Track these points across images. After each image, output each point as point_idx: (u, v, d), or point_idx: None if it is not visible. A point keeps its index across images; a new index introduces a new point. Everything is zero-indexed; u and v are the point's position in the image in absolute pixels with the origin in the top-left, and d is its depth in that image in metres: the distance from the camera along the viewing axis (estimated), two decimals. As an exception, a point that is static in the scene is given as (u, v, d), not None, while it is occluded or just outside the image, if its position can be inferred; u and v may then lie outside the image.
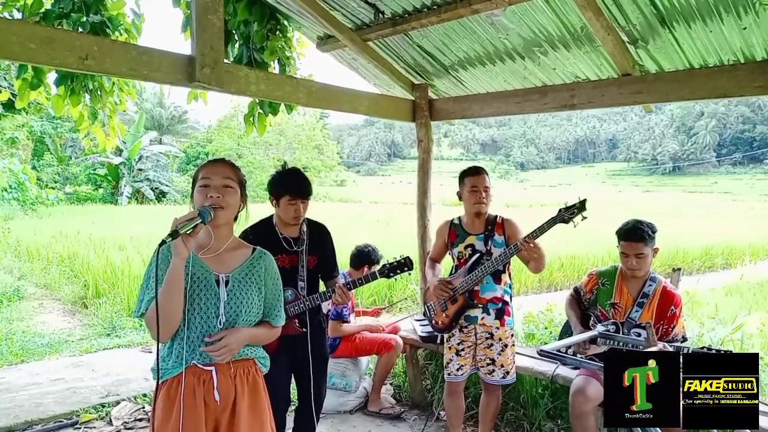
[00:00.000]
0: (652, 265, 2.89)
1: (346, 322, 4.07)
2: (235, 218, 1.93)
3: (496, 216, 3.12)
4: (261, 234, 2.73)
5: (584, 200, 2.73)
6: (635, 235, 2.78)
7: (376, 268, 4.15)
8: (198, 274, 1.79)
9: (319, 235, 2.86)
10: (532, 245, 2.74)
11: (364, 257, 4.13)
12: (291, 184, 2.70)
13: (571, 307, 3.14)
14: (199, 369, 1.77)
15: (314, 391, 2.85)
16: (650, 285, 2.85)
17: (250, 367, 1.88)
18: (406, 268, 2.74)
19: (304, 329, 2.74)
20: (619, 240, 2.86)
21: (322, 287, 2.93)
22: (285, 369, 2.72)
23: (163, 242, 1.60)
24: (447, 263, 3.37)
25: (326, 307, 3.84)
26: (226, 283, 1.82)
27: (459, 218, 3.21)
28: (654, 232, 2.80)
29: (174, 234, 1.59)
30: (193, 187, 1.87)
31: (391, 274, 2.75)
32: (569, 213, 2.73)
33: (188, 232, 1.63)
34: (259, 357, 1.93)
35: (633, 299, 2.87)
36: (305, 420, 2.91)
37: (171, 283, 1.67)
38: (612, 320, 2.87)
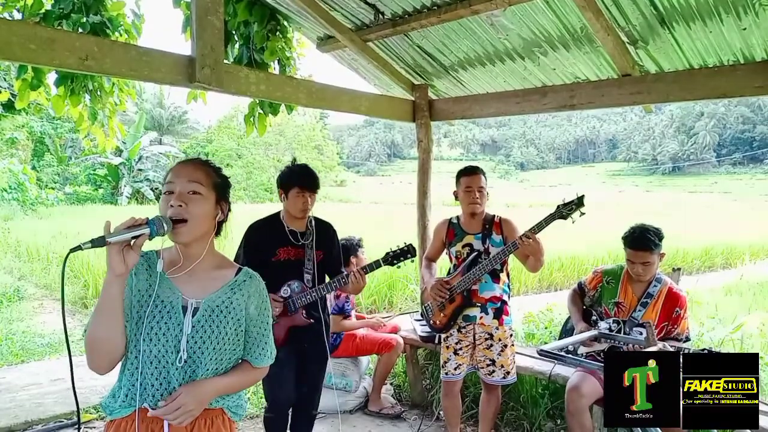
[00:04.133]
0: (658, 268, 2.90)
1: (348, 317, 4.08)
2: (218, 231, 1.58)
3: (494, 216, 3.13)
4: (267, 226, 2.80)
5: (582, 196, 2.73)
6: (641, 244, 2.78)
7: (363, 254, 4.15)
8: (163, 296, 1.46)
9: (326, 233, 2.92)
10: (530, 240, 2.74)
11: (349, 249, 4.09)
12: (301, 177, 2.77)
13: (573, 302, 3.16)
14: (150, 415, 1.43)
15: (311, 386, 2.90)
16: (655, 286, 2.86)
17: (215, 417, 1.52)
18: (409, 255, 2.77)
19: (311, 320, 2.78)
20: (625, 247, 2.86)
21: None
22: (288, 362, 2.74)
23: (78, 248, 1.23)
24: (444, 263, 3.37)
25: (329, 305, 3.86)
26: (195, 311, 1.47)
27: (457, 218, 3.21)
28: (660, 239, 2.79)
29: (98, 241, 1.23)
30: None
31: (395, 262, 2.79)
32: (567, 209, 2.73)
33: (130, 243, 1.30)
34: (230, 406, 1.56)
35: (637, 299, 2.88)
36: (303, 416, 2.93)
37: (102, 307, 1.33)
38: (614, 318, 2.88)
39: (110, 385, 1.33)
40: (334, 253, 2.95)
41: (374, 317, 4.51)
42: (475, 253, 3.03)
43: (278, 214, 2.87)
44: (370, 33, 3.79)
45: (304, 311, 2.77)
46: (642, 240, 2.78)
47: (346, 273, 2.77)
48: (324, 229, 2.91)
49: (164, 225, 1.37)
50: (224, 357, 1.51)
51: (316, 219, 2.91)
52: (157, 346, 1.43)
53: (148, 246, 1.43)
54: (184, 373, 1.45)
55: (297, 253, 2.79)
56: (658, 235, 2.79)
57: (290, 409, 2.91)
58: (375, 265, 2.78)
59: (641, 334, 2.70)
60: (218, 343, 1.48)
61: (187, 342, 1.44)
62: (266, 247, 2.74)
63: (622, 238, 2.88)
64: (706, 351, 2.51)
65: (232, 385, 1.53)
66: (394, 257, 2.77)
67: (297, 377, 2.86)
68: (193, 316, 1.46)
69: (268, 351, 1.60)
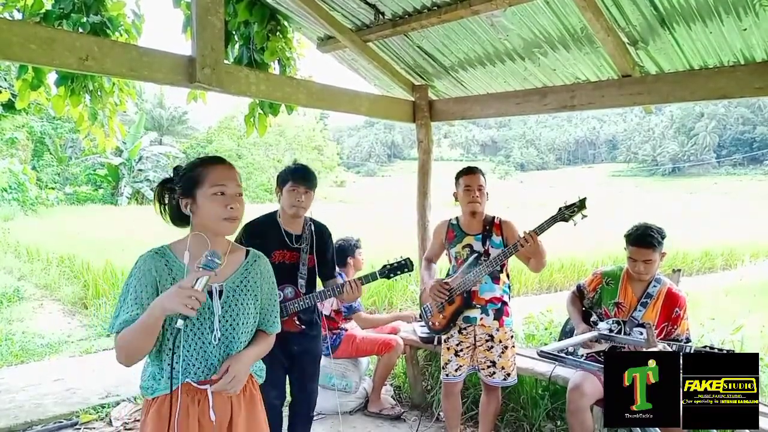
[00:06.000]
0: (659, 268, 2.90)
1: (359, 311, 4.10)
2: None
3: (494, 217, 3.12)
4: (264, 227, 2.77)
5: (584, 198, 2.72)
6: (644, 241, 2.78)
7: (360, 255, 4.15)
8: None
9: (321, 236, 2.89)
10: (531, 242, 2.73)
11: (347, 249, 4.11)
12: (294, 172, 2.78)
13: (573, 304, 3.16)
14: (194, 387, 1.64)
15: (306, 388, 2.89)
16: (654, 286, 2.87)
17: (247, 382, 1.76)
18: (406, 269, 2.74)
19: (303, 326, 2.76)
20: (627, 244, 2.86)
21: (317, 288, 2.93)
22: (280, 365, 2.73)
23: (178, 330, 1.50)
24: (444, 264, 3.37)
25: (327, 308, 3.86)
26: (220, 293, 1.67)
27: (457, 218, 3.20)
28: (663, 237, 2.80)
29: (186, 318, 1.48)
30: (190, 186, 1.65)
31: (391, 275, 2.75)
32: (569, 211, 2.72)
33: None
34: (256, 370, 1.83)
35: (637, 299, 2.88)
36: (300, 417, 2.93)
37: (146, 328, 1.51)
38: (615, 319, 2.88)
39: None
40: (328, 257, 2.91)
41: (407, 310, 4.50)
42: (475, 255, 3.03)
43: (275, 213, 2.85)
44: (371, 33, 3.80)
45: (296, 317, 2.74)
46: (644, 237, 2.78)
47: (341, 282, 2.74)
48: (320, 232, 2.89)
49: (216, 260, 1.53)
50: (250, 329, 1.74)
51: (314, 222, 2.89)
52: (193, 330, 1.63)
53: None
54: (220, 349, 1.67)
55: (292, 257, 2.76)
56: (660, 233, 2.79)
57: (284, 409, 2.91)
58: (371, 277, 2.76)
59: (641, 334, 2.70)
60: (245, 318, 1.70)
61: (219, 321, 1.65)
62: (262, 248, 2.72)
63: (625, 236, 2.88)
64: (707, 348, 2.51)
65: (259, 353, 1.78)
66: (391, 270, 2.74)
67: (289, 379, 2.85)
68: (219, 298, 1.66)
69: (278, 319, 1.86)
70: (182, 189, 1.67)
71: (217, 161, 1.71)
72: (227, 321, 1.66)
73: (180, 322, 1.48)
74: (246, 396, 1.75)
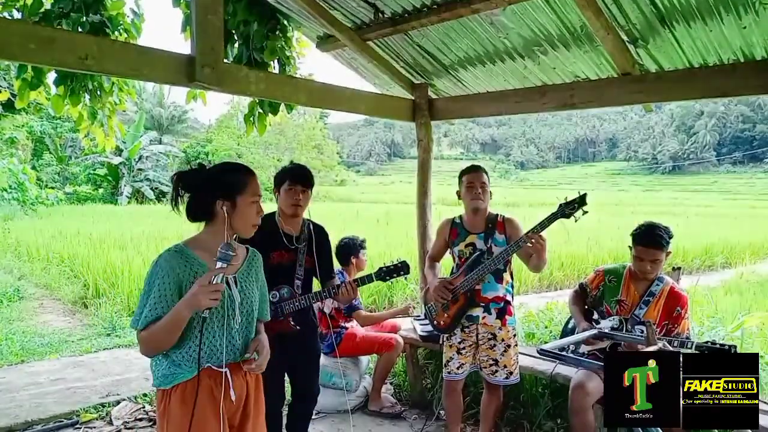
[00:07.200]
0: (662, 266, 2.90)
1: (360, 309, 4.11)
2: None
3: (497, 215, 3.11)
4: (262, 228, 2.75)
5: (584, 194, 2.70)
6: (653, 241, 2.77)
7: (363, 255, 4.16)
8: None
9: (320, 237, 2.89)
10: (536, 238, 2.72)
11: (351, 248, 4.12)
12: (292, 171, 2.79)
13: (574, 303, 3.15)
14: (215, 371, 1.79)
15: (308, 387, 2.89)
16: (657, 285, 2.87)
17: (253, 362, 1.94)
18: (402, 272, 2.74)
19: (298, 327, 2.75)
20: (634, 243, 2.85)
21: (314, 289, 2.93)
22: (278, 366, 2.73)
23: (204, 318, 1.71)
24: (447, 263, 3.37)
25: (328, 306, 3.86)
26: (235, 282, 1.85)
27: (460, 217, 3.20)
28: (670, 237, 2.79)
29: (210, 308, 1.68)
30: (232, 190, 1.83)
31: (387, 278, 2.75)
32: (570, 207, 2.71)
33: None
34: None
35: (639, 297, 2.88)
36: (299, 417, 2.93)
37: (173, 326, 1.69)
38: (617, 316, 2.88)
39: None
40: (327, 258, 2.91)
41: (403, 304, 4.52)
42: (478, 253, 3.02)
43: (273, 214, 2.83)
44: (370, 32, 3.79)
45: (291, 318, 2.73)
46: (653, 237, 2.77)
47: (338, 284, 2.74)
48: (318, 233, 2.88)
49: (230, 252, 1.71)
50: (256, 315, 1.95)
51: (312, 223, 2.89)
52: (218, 318, 1.80)
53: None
54: (241, 332, 1.87)
55: (290, 258, 2.75)
56: (667, 233, 2.79)
57: (283, 409, 2.91)
58: (367, 280, 2.76)
59: (642, 332, 2.70)
60: (256, 304, 1.94)
61: (239, 308, 1.84)
62: (260, 248, 2.72)
63: (632, 235, 2.87)
64: (709, 343, 2.50)
65: (265, 335, 2.01)
66: (387, 273, 2.74)
67: (289, 379, 2.86)
68: (236, 287, 1.85)
69: (268, 307, 2.08)
70: (222, 191, 1.82)
71: (253, 173, 1.93)
72: (245, 307, 1.87)
73: (206, 312, 1.68)
74: (255, 377, 1.95)
